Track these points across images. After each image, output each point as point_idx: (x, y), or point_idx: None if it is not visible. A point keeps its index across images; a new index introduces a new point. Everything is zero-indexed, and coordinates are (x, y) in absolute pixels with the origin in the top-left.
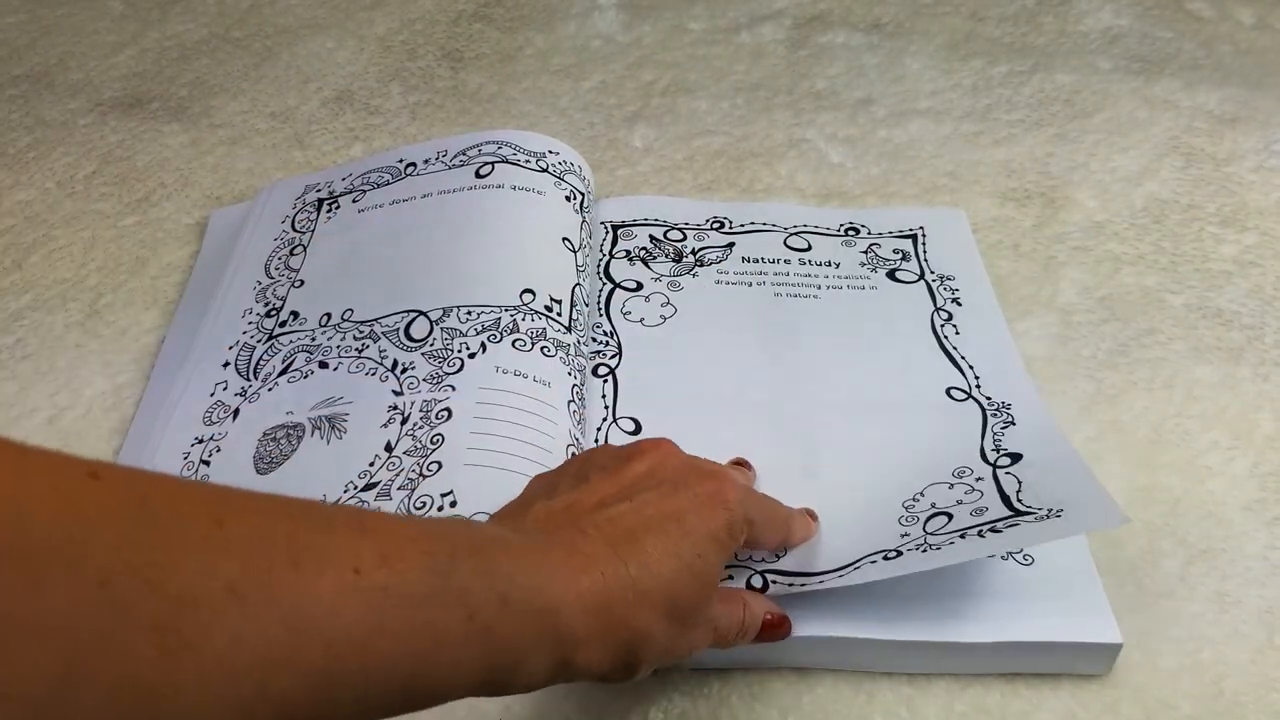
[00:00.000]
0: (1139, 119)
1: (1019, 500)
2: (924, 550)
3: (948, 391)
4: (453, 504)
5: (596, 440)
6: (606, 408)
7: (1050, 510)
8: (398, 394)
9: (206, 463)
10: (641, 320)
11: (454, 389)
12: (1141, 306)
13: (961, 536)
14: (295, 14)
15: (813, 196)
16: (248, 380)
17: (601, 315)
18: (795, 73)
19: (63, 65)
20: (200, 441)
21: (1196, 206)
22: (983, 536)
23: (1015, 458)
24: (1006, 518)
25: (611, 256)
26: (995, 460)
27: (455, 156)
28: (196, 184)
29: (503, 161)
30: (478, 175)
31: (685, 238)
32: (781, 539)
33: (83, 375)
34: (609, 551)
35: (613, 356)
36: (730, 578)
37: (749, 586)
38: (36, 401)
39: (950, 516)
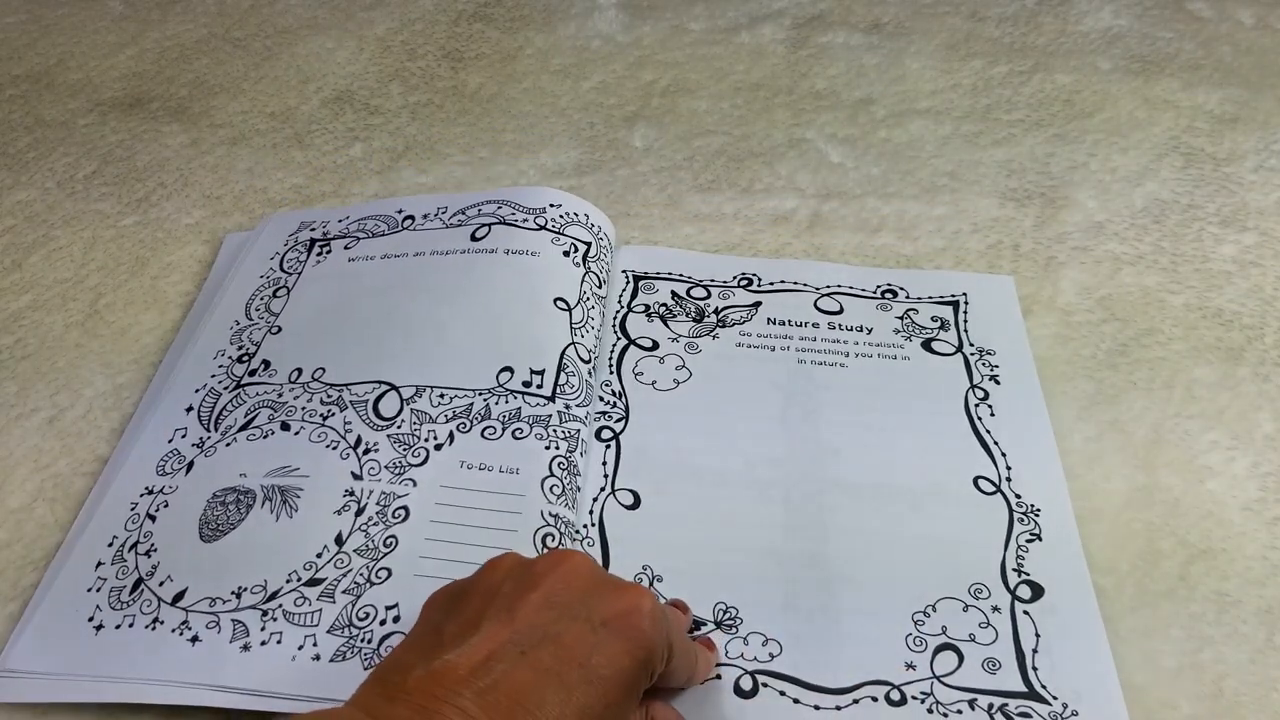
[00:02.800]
0: (1139, 119)
1: (1034, 672)
2: (929, 710)
3: (975, 481)
4: (396, 619)
5: (591, 512)
6: (606, 477)
7: (1065, 709)
8: (357, 477)
9: (152, 517)
10: (653, 383)
11: (414, 484)
12: (1141, 306)
13: (970, 706)
14: (295, 14)
15: (813, 197)
16: (207, 431)
17: (612, 373)
18: (795, 73)
19: (63, 65)
20: (150, 493)
21: (1196, 206)
22: (992, 719)
23: (1037, 592)
24: (1020, 695)
25: (630, 310)
26: (1015, 588)
27: (454, 215)
28: (196, 184)
29: (499, 223)
30: (473, 238)
31: (709, 295)
32: (689, 675)
33: (83, 375)
34: None
35: (619, 420)
36: (718, 676)
37: (737, 688)
38: (36, 401)
39: (961, 658)
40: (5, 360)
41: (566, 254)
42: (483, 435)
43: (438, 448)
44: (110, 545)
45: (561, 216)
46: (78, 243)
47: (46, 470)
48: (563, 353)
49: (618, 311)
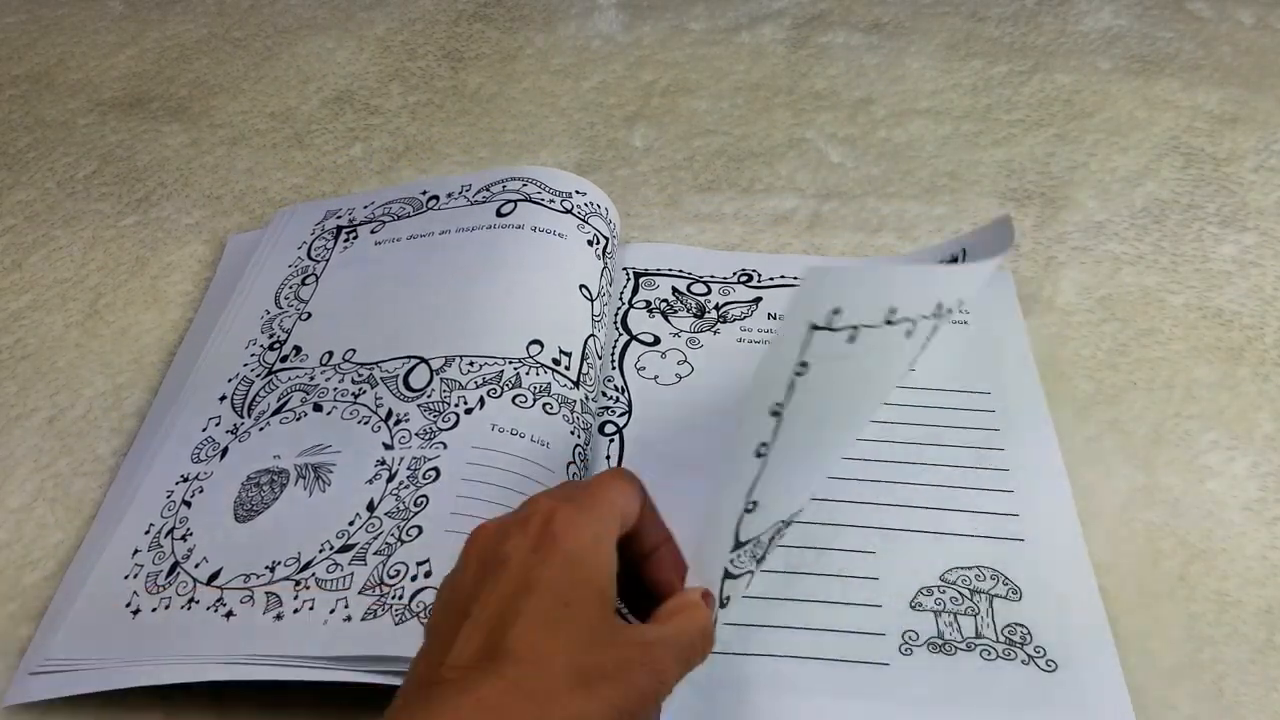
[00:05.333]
0: (1139, 119)
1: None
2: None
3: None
4: (428, 574)
5: None
6: None
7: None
8: (388, 447)
9: (188, 504)
10: (656, 378)
11: (445, 446)
12: (1141, 306)
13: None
14: (295, 14)
15: (813, 197)
16: (241, 417)
17: (615, 369)
18: (795, 73)
19: (63, 65)
20: (185, 480)
21: (1196, 206)
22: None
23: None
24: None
25: (631, 306)
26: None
27: (479, 192)
28: (196, 184)
29: (526, 200)
30: (499, 214)
31: (710, 291)
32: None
33: (83, 375)
34: None
35: (621, 414)
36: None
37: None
38: (36, 401)
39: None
40: (5, 360)
41: (590, 243)
42: (514, 402)
43: (468, 412)
44: (147, 533)
45: (586, 205)
46: (78, 243)
47: (46, 470)
48: (585, 342)
49: (619, 308)
